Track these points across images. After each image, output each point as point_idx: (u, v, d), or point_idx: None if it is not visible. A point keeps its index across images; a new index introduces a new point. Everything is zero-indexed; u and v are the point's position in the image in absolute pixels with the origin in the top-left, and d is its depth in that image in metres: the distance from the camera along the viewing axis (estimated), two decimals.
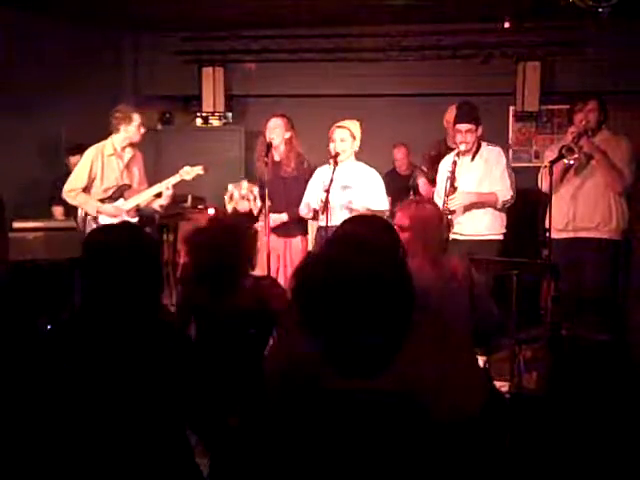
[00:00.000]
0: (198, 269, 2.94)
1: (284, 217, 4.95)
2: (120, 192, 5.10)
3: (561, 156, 4.36)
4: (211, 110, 7.55)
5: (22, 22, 6.25)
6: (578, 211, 4.58)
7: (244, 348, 2.90)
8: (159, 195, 5.15)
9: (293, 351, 1.86)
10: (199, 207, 6.81)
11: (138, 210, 5.16)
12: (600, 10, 4.31)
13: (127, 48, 7.67)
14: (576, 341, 4.08)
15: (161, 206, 5.21)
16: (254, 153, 5.26)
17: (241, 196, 5.13)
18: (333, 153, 4.65)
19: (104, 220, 4.96)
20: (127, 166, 5.17)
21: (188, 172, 5.13)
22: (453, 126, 4.70)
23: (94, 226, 4.82)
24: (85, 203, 5.07)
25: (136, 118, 5.07)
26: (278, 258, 4.92)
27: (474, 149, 4.65)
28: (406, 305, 1.31)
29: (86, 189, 5.05)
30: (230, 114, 7.68)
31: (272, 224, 4.85)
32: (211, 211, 6.70)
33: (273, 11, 6.46)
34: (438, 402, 1.84)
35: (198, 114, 7.62)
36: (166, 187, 5.10)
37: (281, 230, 4.94)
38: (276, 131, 4.96)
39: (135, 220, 5.09)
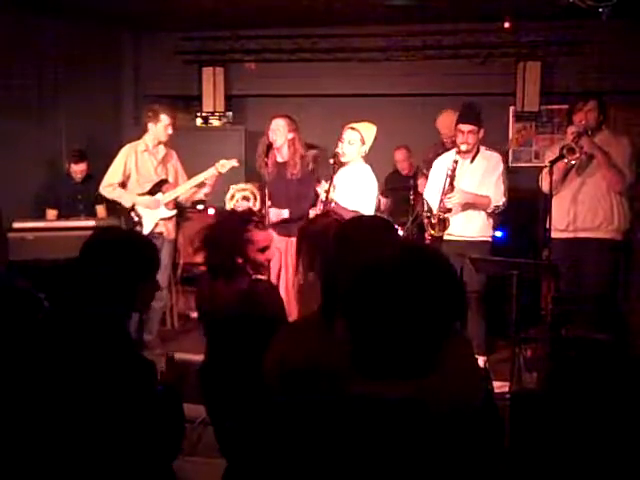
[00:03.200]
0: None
1: (285, 213, 4.91)
2: (158, 187, 5.36)
3: (562, 156, 4.36)
4: (211, 110, 7.55)
5: (22, 22, 6.24)
6: (579, 212, 4.58)
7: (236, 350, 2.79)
8: (201, 185, 5.41)
9: (310, 352, 1.86)
10: (199, 207, 6.81)
11: (177, 204, 5.48)
12: (600, 10, 4.31)
13: (127, 48, 7.66)
14: (576, 341, 4.08)
15: (206, 194, 5.50)
16: (256, 153, 5.25)
17: (243, 197, 5.17)
18: (341, 153, 4.64)
19: (142, 212, 5.30)
20: (162, 163, 5.42)
21: (224, 165, 5.32)
22: (455, 126, 4.71)
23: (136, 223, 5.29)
24: (121, 197, 5.38)
25: (164, 118, 5.31)
26: (280, 257, 4.85)
27: (474, 151, 4.66)
28: (454, 306, 1.33)
29: (124, 185, 5.37)
30: (230, 114, 7.68)
31: (274, 218, 4.84)
32: (211, 211, 6.71)
33: (273, 11, 6.45)
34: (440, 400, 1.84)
35: (198, 114, 7.62)
36: (204, 179, 5.33)
37: (282, 228, 4.89)
38: (278, 132, 4.94)
39: (173, 213, 5.43)
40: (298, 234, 2.69)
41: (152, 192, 5.35)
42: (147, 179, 5.37)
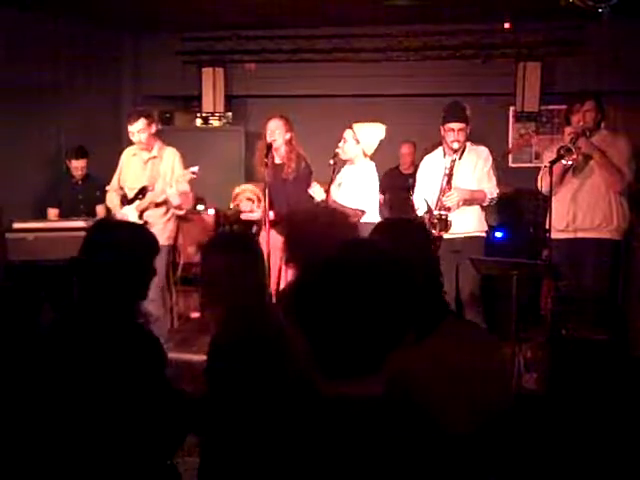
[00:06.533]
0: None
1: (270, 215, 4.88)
2: (140, 193, 5.03)
3: (560, 157, 4.36)
4: (211, 110, 7.55)
5: (22, 22, 6.25)
6: (578, 212, 4.58)
7: None
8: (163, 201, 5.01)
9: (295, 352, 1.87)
10: (199, 207, 6.82)
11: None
12: (600, 10, 4.31)
13: (127, 48, 7.67)
14: (576, 341, 4.08)
15: (177, 207, 5.04)
16: (254, 155, 5.24)
17: (247, 198, 5.12)
18: (340, 152, 4.67)
19: None
20: (149, 168, 5.06)
21: (184, 175, 4.92)
22: (443, 126, 4.72)
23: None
24: (109, 204, 5.26)
25: (131, 123, 4.93)
26: (282, 256, 4.83)
27: (462, 148, 4.69)
28: (405, 305, 1.31)
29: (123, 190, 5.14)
30: (230, 114, 7.68)
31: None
32: (211, 211, 6.71)
33: (273, 11, 6.45)
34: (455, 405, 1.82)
35: (198, 114, 7.63)
36: (161, 192, 4.95)
37: (283, 227, 4.87)
38: (276, 132, 4.95)
39: (141, 222, 4.87)
40: (285, 224, 2.64)
41: (133, 200, 5.04)
42: (133, 185, 5.08)
